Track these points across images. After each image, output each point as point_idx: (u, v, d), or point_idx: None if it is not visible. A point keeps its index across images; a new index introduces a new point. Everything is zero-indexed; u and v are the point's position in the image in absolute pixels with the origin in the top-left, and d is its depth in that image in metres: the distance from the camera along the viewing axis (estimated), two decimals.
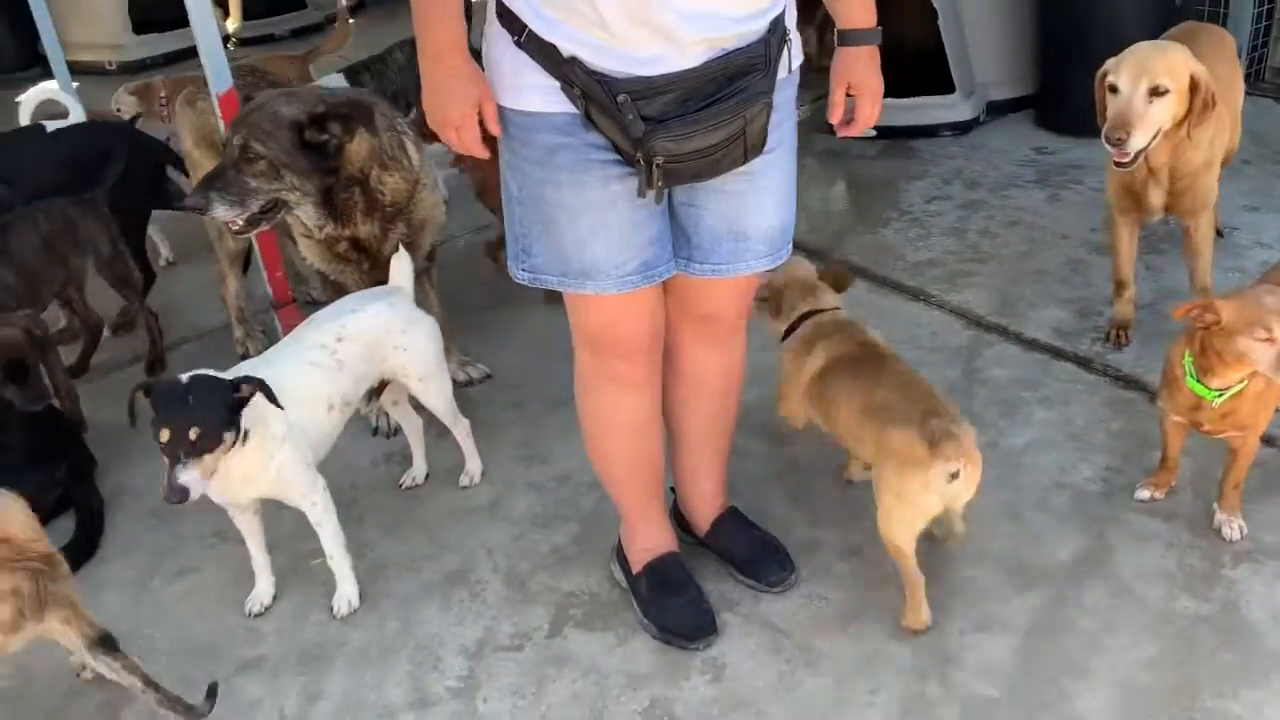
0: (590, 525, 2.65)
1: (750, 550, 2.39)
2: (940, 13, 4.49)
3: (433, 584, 2.53)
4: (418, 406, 2.83)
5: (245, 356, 3.56)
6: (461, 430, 2.79)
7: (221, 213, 2.60)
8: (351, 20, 7.82)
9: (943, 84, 4.60)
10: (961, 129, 4.65)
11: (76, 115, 4.09)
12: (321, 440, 2.43)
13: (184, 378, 2.15)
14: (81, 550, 2.73)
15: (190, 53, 7.48)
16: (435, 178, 3.06)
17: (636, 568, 2.34)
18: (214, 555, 2.70)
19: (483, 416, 3.02)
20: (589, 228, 1.88)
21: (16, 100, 6.36)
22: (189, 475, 2.06)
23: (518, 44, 1.77)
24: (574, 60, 1.73)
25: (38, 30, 7.55)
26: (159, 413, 2.08)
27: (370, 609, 2.46)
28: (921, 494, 2.08)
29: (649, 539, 2.34)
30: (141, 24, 7.25)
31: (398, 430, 3.01)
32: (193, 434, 2.06)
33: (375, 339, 2.52)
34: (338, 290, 3.05)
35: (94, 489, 2.93)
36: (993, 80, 4.73)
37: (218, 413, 2.11)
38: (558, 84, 1.76)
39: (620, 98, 1.71)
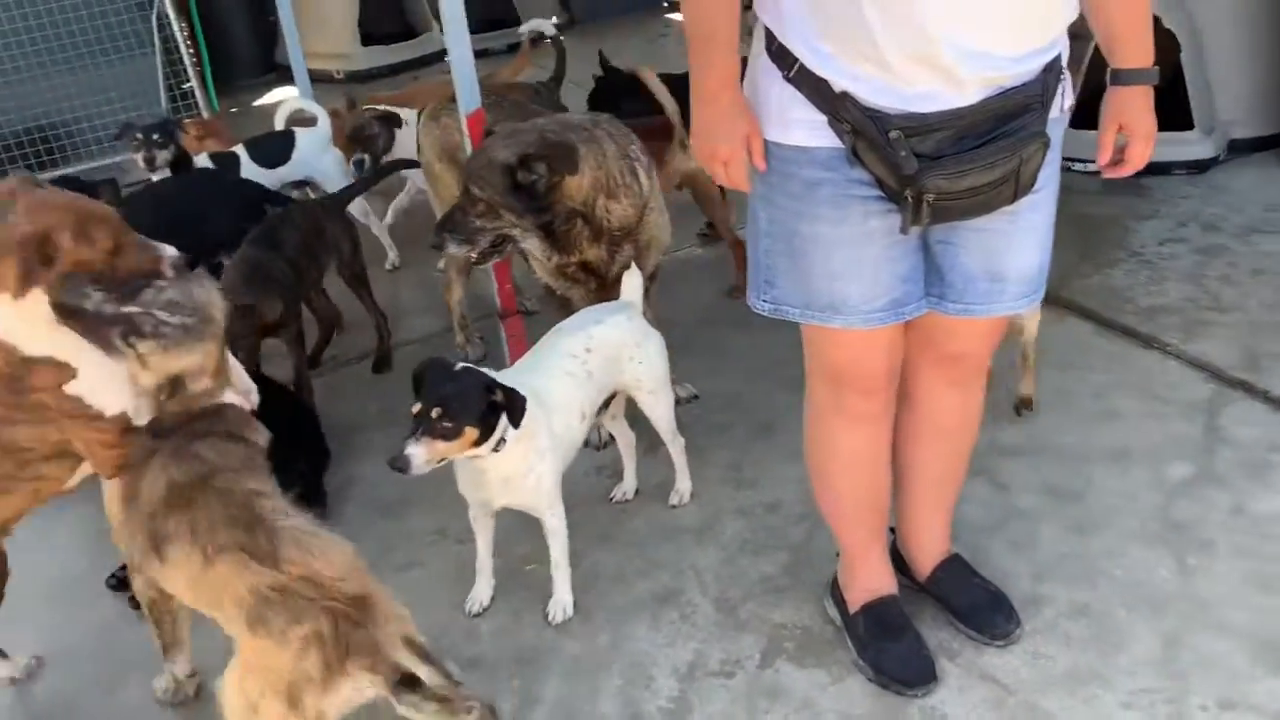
0: (801, 557, 2.62)
1: (973, 599, 2.32)
2: (1183, 44, 4.26)
3: (643, 601, 2.56)
4: (631, 422, 2.88)
5: (464, 360, 3.71)
6: (677, 448, 2.82)
7: (454, 250, 2.86)
8: (561, 37, 8.07)
9: (1180, 119, 4.36)
10: (1198, 168, 4.39)
11: (322, 124, 4.35)
12: (571, 449, 2.51)
13: (456, 365, 2.27)
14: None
15: (412, 64, 7.89)
16: (662, 201, 3.11)
17: (854, 607, 2.30)
18: (436, 552, 2.81)
19: (690, 438, 3.03)
20: (842, 263, 1.86)
21: (253, 104, 6.86)
22: (417, 449, 2.16)
23: (787, 78, 1.77)
24: (845, 95, 1.72)
25: (274, 39, 8.23)
26: (420, 386, 2.19)
27: (583, 619, 2.51)
28: None
29: (869, 579, 2.30)
30: (369, 36, 7.67)
31: (608, 443, 3.07)
32: (434, 414, 2.16)
33: (616, 350, 2.59)
34: (563, 305, 3.15)
35: (319, 486, 3.07)
36: (1236, 117, 4.45)
37: (467, 406, 2.19)
38: (825, 119, 1.76)
39: (892, 134, 1.70)
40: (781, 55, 1.77)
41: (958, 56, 1.65)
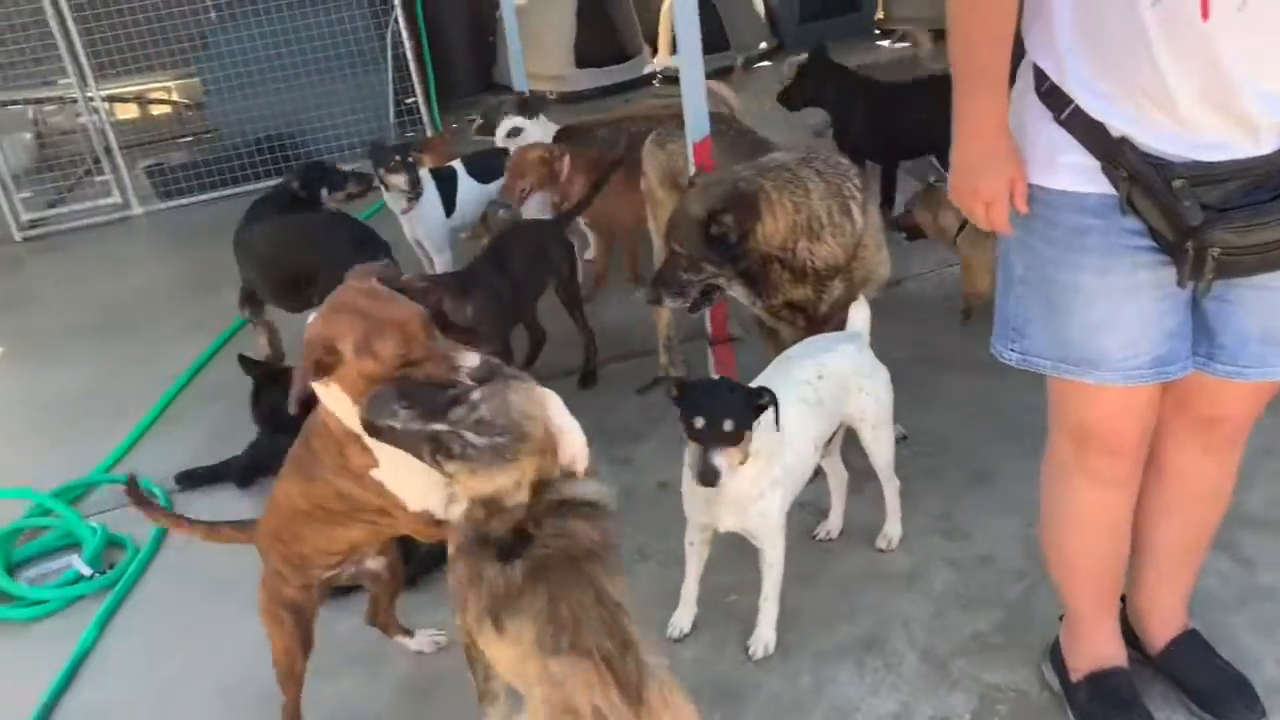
0: (1017, 615, 2.50)
1: (1211, 681, 2.15)
2: None
3: (846, 645, 2.49)
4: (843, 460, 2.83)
5: None
6: (892, 489, 2.75)
7: (669, 304, 2.99)
8: (769, 63, 8.08)
9: None
10: None
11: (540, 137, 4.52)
12: (800, 482, 2.50)
13: (714, 378, 2.33)
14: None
15: (624, 87, 8.04)
16: (882, 236, 3.04)
17: (1077, 675, 2.17)
18: (637, 571, 2.82)
19: (899, 482, 2.95)
20: (1103, 315, 1.77)
21: (468, 118, 7.15)
22: (720, 460, 2.20)
23: (1058, 120, 1.70)
24: (1124, 140, 1.64)
25: (491, 59, 8.57)
26: (694, 404, 2.23)
27: (783, 657, 2.47)
28: None
29: (1097, 647, 2.16)
30: (582, 58, 7.88)
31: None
32: (727, 425, 2.20)
33: (845, 380, 2.55)
34: (770, 335, 3.13)
35: None
36: None
37: (745, 412, 2.24)
38: (1098, 164, 1.67)
39: (1176, 183, 1.60)
40: (1053, 96, 1.70)
41: (1259, 102, 1.54)
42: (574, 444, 1.80)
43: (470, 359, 1.79)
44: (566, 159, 3.95)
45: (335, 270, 3.84)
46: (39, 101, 8.20)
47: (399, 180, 4.13)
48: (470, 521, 1.80)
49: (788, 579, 2.68)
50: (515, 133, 4.58)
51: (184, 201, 6.75)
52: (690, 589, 2.57)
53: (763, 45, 8.49)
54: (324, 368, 1.81)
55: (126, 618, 2.96)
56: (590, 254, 4.61)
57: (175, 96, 8.81)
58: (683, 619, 2.58)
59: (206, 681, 2.68)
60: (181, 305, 4.98)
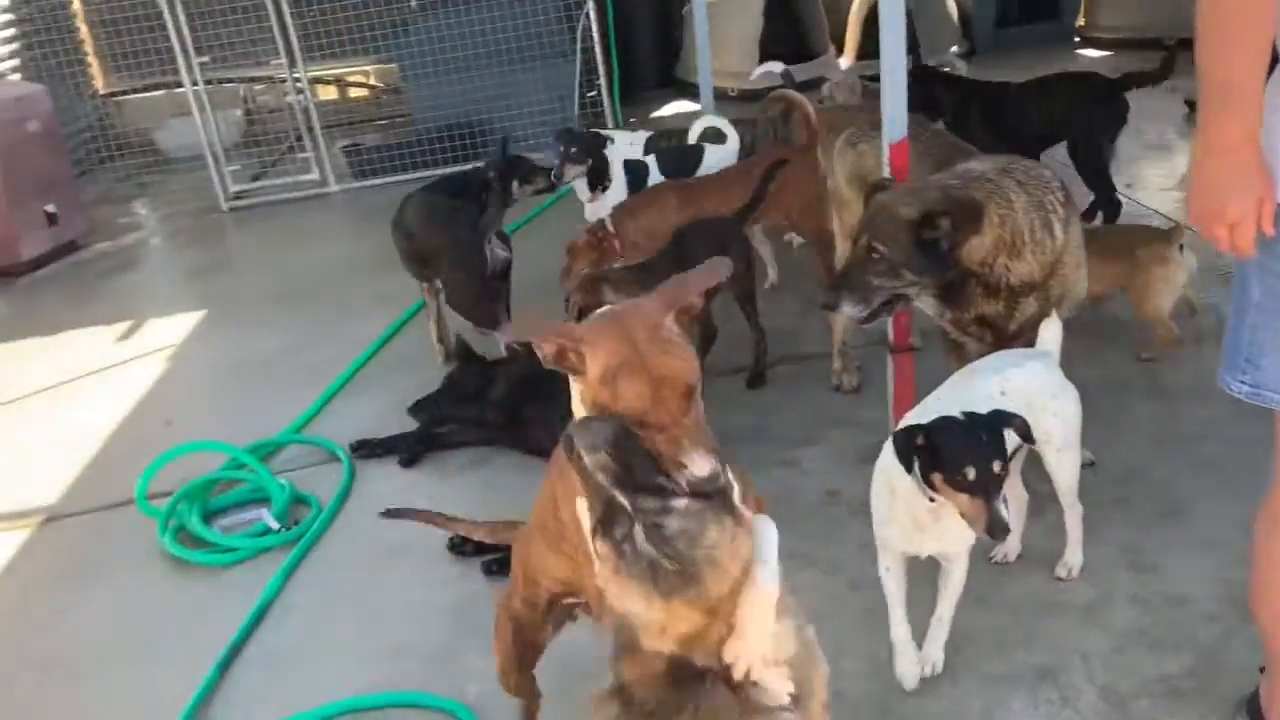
0: (1209, 661, 2.35)
1: None
2: None
3: (1019, 673, 2.39)
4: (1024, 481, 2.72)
5: (838, 389, 3.68)
6: (1074, 515, 2.62)
7: (848, 310, 2.72)
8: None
9: None
10: None
11: (731, 143, 4.51)
12: None
13: (957, 414, 2.13)
14: None
15: (807, 86, 7.97)
16: (1082, 253, 2.89)
17: None
18: (801, 577, 2.70)
19: (1084, 508, 2.81)
20: None
21: (650, 115, 7.20)
22: (1005, 509, 2.04)
23: None
24: None
25: (674, 55, 8.63)
26: (956, 453, 2.05)
27: (951, 680, 2.39)
28: None
29: None
30: (766, 56, 7.83)
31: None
32: (997, 467, 2.05)
33: (1031, 399, 2.43)
34: (954, 348, 3.03)
35: None
36: None
37: (1003, 445, 2.10)
38: None
39: None
40: None
41: None
42: (751, 642, 1.47)
43: (703, 465, 1.44)
44: (613, 239, 3.94)
45: (454, 255, 3.95)
46: (249, 81, 8.72)
47: (575, 171, 4.21)
48: (616, 640, 1.51)
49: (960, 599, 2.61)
50: (712, 135, 4.57)
51: (377, 181, 7.05)
52: (903, 630, 2.37)
53: (954, 50, 8.24)
54: (562, 359, 1.56)
55: (307, 572, 3.12)
56: None
57: (373, 81, 9.22)
58: (909, 669, 2.37)
59: (378, 641, 2.79)
60: (371, 279, 5.19)
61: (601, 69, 7.29)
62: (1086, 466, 3.04)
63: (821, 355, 3.87)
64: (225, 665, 2.73)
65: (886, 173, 2.93)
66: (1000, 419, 2.12)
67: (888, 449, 2.25)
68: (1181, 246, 3.47)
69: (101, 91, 8.72)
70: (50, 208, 6.29)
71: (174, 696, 2.62)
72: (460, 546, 3.00)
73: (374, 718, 2.53)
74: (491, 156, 4.48)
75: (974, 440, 2.06)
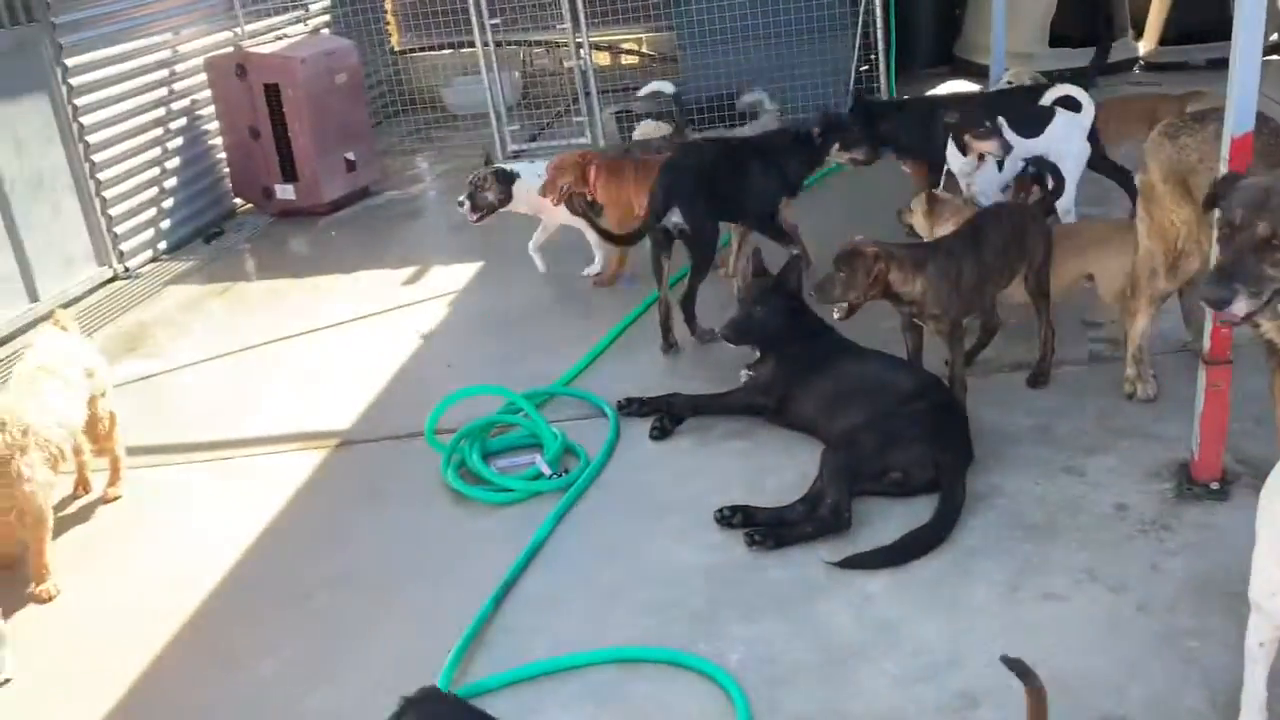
0: None
1: None
2: None
3: None
4: None
5: (1131, 397, 3.45)
6: None
7: (1242, 307, 2.31)
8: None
9: None
10: None
11: (1086, 112, 4.40)
12: None
13: None
14: (926, 538, 2.88)
15: (1109, 70, 7.47)
16: None
17: None
18: (1081, 592, 2.65)
19: None
20: None
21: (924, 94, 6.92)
22: None
23: None
24: None
25: (954, 32, 8.30)
26: None
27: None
28: None
29: None
30: (1057, 37, 7.41)
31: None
32: None
33: None
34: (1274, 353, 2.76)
35: (962, 484, 3.03)
36: None
37: None
38: None
39: None
40: None
41: None
42: None
43: None
44: (594, 165, 4.72)
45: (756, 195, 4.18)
46: (529, 44, 9.06)
47: (990, 145, 4.12)
48: None
49: None
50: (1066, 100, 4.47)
51: None
52: (1259, 693, 2.09)
53: (1274, 36, 7.49)
54: None
55: (575, 520, 3.24)
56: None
57: (644, 49, 9.37)
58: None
59: (640, 595, 2.87)
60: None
61: (881, 44, 7.11)
62: None
63: (1111, 359, 3.64)
64: (498, 599, 2.89)
65: (1224, 168, 2.68)
66: None
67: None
68: None
69: (396, 49, 9.31)
70: (350, 155, 6.80)
71: (453, 620, 2.79)
72: (729, 518, 3.03)
73: (640, 669, 2.60)
74: (820, 113, 4.56)
75: None
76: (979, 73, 7.53)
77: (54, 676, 2.86)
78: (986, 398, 3.55)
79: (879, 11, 7.00)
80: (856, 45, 7.11)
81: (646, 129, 5.76)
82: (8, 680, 2.83)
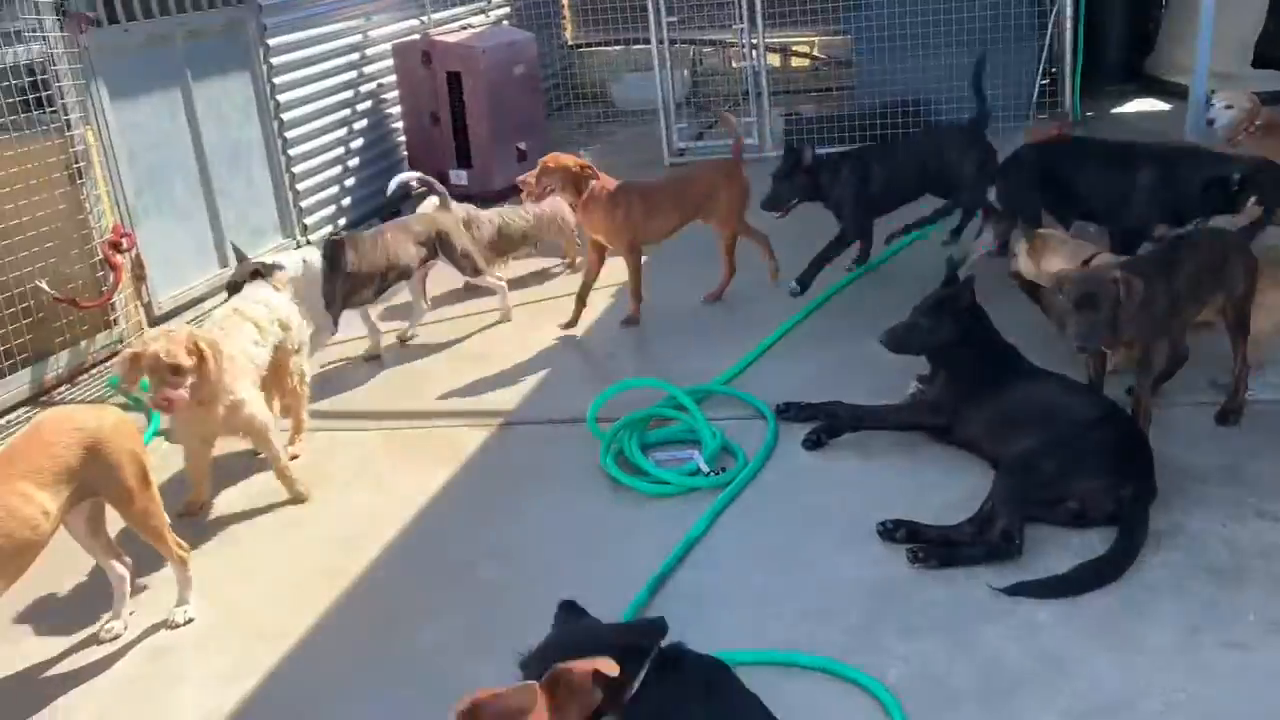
0: None
1: None
2: None
3: None
4: None
5: None
6: None
7: None
8: None
9: None
10: None
11: None
12: None
13: None
14: (1102, 572, 2.77)
15: None
16: None
17: None
18: (1271, 644, 2.49)
19: None
20: None
21: (1112, 111, 6.65)
22: None
23: None
24: None
25: (1145, 49, 7.92)
26: None
27: None
28: None
29: None
30: (1264, 58, 6.99)
31: None
32: None
33: None
34: None
35: (1145, 520, 2.89)
36: None
37: None
38: None
39: None
40: None
41: None
42: None
43: None
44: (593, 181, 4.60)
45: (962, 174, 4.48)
46: (699, 44, 9.09)
47: None
48: None
49: None
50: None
51: None
52: None
53: None
54: None
55: (731, 519, 3.23)
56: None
57: (815, 52, 9.29)
58: None
59: (795, 601, 2.84)
60: (802, 245, 5.22)
61: (1069, 58, 6.85)
62: None
63: (1210, 386, 3.45)
64: (653, 589, 2.90)
65: None
66: None
67: None
68: None
69: (570, 43, 9.49)
70: (522, 145, 6.95)
71: (609, 604, 2.79)
72: (893, 532, 2.97)
73: (793, 674, 2.57)
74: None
75: None
76: (1173, 92, 7.18)
77: (229, 623, 3.02)
78: (1170, 431, 3.37)
79: (1068, 22, 6.73)
80: (1040, 58, 6.86)
81: (427, 207, 5.31)
82: (191, 620, 3.01)
